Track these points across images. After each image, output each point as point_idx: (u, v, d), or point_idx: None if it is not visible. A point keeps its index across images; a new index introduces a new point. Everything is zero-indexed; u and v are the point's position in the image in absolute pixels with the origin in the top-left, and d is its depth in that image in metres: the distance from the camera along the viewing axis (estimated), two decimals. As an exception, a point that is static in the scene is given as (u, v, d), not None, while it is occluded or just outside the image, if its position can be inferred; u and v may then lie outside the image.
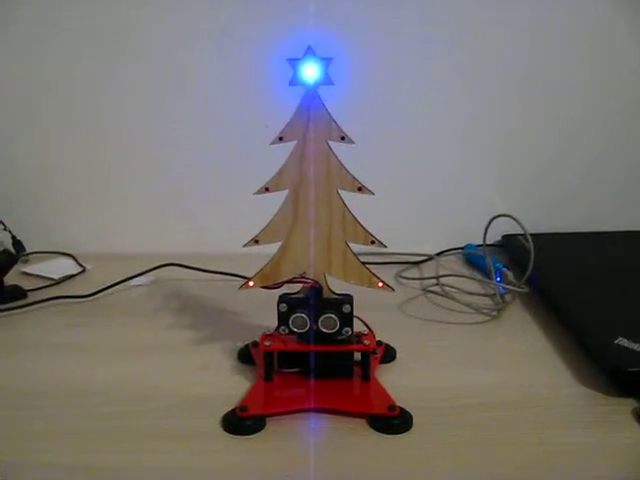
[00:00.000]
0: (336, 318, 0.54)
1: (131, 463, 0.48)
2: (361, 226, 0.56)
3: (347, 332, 0.55)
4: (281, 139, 0.55)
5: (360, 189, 0.55)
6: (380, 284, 0.57)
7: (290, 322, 0.55)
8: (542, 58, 0.91)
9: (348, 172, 0.55)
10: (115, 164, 0.95)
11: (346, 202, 0.56)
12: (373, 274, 0.57)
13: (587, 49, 0.91)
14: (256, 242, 0.57)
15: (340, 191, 0.55)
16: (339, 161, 0.55)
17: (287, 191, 0.56)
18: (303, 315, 0.55)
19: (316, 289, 0.56)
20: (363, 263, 0.57)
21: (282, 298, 0.56)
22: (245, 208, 0.78)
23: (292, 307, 0.55)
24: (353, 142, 0.54)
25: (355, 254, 0.57)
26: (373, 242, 0.56)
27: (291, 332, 0.55)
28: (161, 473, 0.47)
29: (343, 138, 0.54)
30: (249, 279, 0.58)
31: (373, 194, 0.54)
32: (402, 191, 0.94)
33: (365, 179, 0.55)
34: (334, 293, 0.57)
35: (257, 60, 0.86)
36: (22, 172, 0.95)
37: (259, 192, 0.56)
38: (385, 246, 0.56)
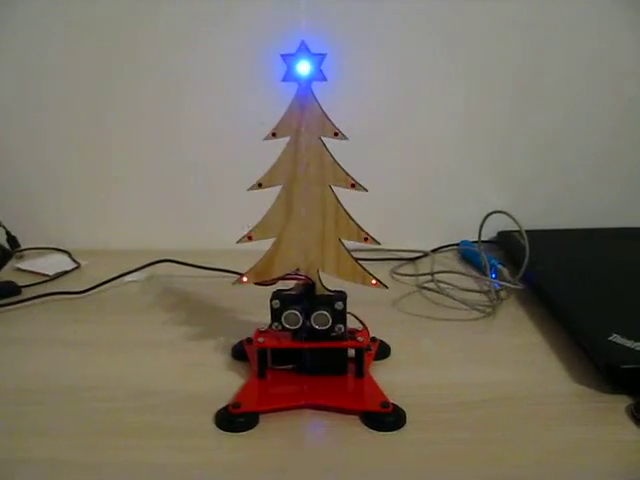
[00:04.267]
0: (328, 315, 0.54)
1: (123, 459, 0.48)
2: (354, 223, 0.55)
3: (340, 329, 0.55)
4: (274, 135, 0.54)
5: (353, 185, 0.54)
6: (374, 282, 0.56)
7: (283, 319, 0.55)
8: (539, 55, 0.91)
9: (342, 168, 0.54)
10: (110, 161, 0.95)
11: (340, 198, 0.55)
12: (367, 271, 0.56)
13: (584, 47, 0.91)
14: (249, 238, 0.57)
15: (334, 187, 0.55)
16: (332, 157, 0.54)
17: (280, 187, 0.56)
18: (295, 312, 0.54)
19: (309, 286, 0.56)
20: (357, 260, 0.56)
21: (275, 294, 0.56)
22: (240, 204, 0.78)
23: (285, 303, 0.55)
24: (347, 138, 0.53)
25: (349, 251, 0.56)
26: (366, 239, 0.55)
27: (284, 329, 0.55)
28: (154, 469, 0.47)
29: (336, 134, 0.53)
30: (242, 275, 0.58)
31: (366, 190, 0.54)
32: (397, 187, 0.94)
33: (360, 175, 0.54)
34: (327, 290, 0.56)
35: (256, 58, 0.85)
36: (16, 168, 0.95)
37: (252, 188, 0.55)
38: (379, 243, 0.55)
